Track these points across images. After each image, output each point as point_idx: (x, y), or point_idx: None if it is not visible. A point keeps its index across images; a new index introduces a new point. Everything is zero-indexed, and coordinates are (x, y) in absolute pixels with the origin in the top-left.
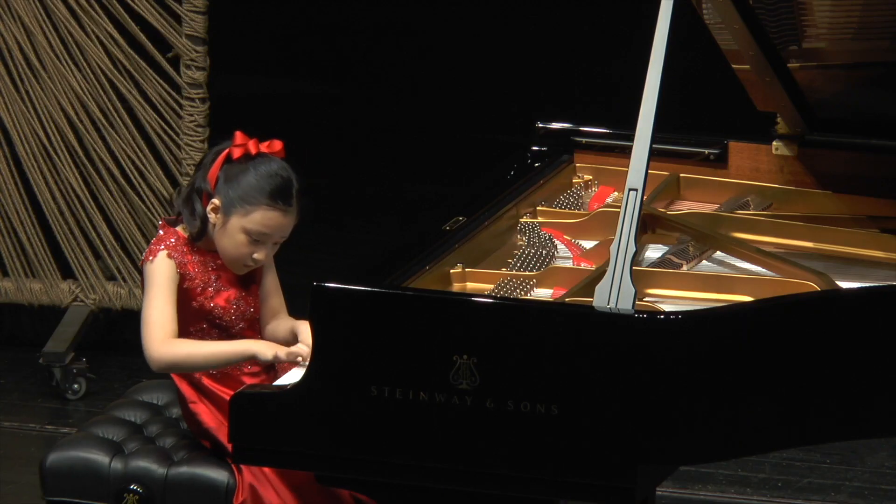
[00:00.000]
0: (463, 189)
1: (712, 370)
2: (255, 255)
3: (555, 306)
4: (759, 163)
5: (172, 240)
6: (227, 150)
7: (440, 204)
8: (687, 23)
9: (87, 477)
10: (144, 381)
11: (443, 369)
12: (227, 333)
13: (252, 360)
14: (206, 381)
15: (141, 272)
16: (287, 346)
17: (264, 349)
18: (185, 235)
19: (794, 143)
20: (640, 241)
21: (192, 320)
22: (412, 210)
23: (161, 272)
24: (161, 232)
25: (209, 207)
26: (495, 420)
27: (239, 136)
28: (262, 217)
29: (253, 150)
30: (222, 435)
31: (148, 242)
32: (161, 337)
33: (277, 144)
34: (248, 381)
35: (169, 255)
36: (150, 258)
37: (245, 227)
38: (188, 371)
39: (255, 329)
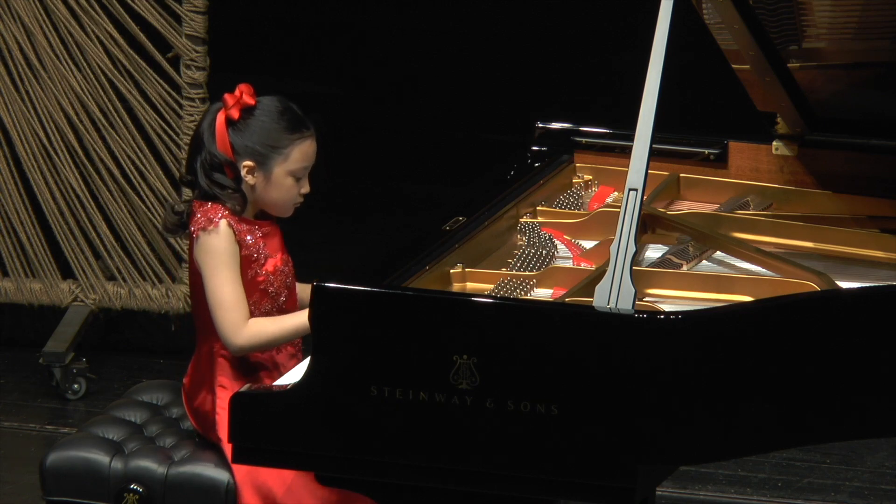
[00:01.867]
0: (463, 189)
1: (712, 370)
2: (303, 190)
3: (555, 306)
4: (759, 163)
5: (222, 210)
6: (222, 115)
7: (440, 204)
8: (687, 23)
9: (87, 477)
10: (144, 381)
11: (443, 369)
12: (274, 304)
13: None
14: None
15: (190, 241)
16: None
17: None
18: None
19: (794, 143)
20: (640, 241)
21: (247, 293)
22: (412, 210)
23: (224, 243)
24: (202, 208)
25: (244, 171)
26: (495, 420)
27: (228, 98)
28: (298, 153)
29: (252, 102)
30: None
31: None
32: (239, 321)
33: (249, 88)
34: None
35: (228, 223)
36: (209, 227)
37: (289, 169)
38: (265, 349)
39: (295, 299)
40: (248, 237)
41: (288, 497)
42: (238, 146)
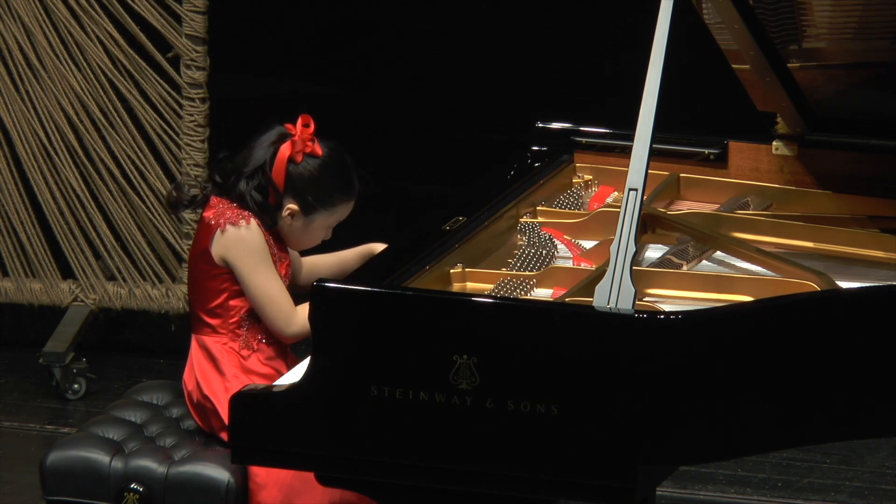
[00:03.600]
0: (463, 189)
1: (712, 370)
2: (326, 237)
3: (555, 306)
4: (759, 163)
5: (250, 215)
6: (287, 149)
7: (440, 204)
8: (687, 23)
9: (87, 477)
10: (144, 381)
11: (443, 369)
12: None
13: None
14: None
15: (213, 230)
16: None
17: None
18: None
19: (794, 143)
20: (640, 241)
21: None
22: (412, 210)
23: (259, 238)
24: (229, 205)
25: (286, 213)
26: (495, 420)
27: (298, 140)
28: (343, 209)
29: (319, 153)
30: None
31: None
32: (291, 310)
33: (311, 123)
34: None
35: (258, 224)
36: (240, 223)
37: (329, 222)
38: None
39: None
40: (269, 239)
41: (302, 497)
42: (290, 187)
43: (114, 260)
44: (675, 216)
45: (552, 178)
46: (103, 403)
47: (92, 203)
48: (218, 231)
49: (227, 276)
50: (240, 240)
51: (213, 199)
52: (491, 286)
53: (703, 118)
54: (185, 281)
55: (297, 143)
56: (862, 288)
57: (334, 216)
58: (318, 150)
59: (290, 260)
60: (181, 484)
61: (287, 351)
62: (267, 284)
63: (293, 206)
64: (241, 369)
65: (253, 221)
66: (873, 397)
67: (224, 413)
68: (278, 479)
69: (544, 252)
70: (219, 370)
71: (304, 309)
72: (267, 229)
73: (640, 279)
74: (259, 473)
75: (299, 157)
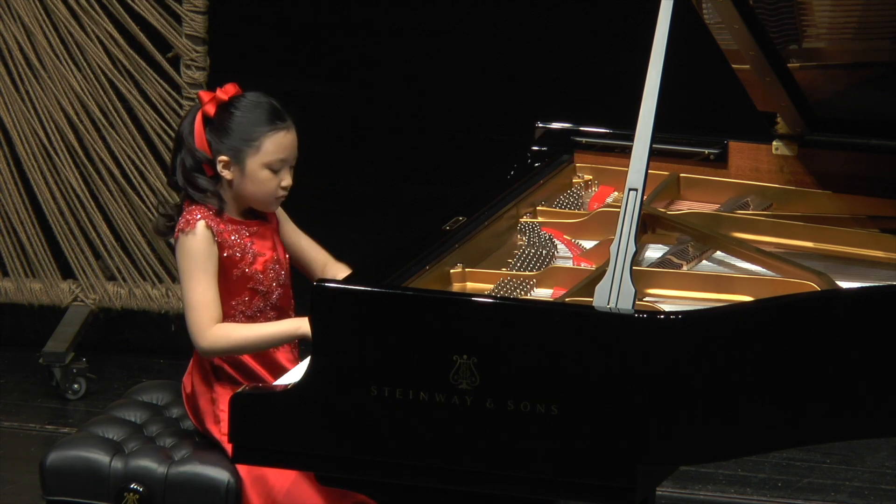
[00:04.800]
0: (463, 189)
1: (712, 370)
2: (283, 183)
3: (555, 306)
4: (759, 163)
5: (205, 211)
6: (199, 113)
7: (440, 204)
8: (687, 23)
9: (87, 477)
10: (144, 381)
11: (443, 369)
12: (267, 301)
13: (301, 338)
14: (246, 359)
15: (172, 246)
16: None
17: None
18: (214, 209)
19: (794, 143)
20: (640, 241)
21: (235, 291)
22: (412, 210)
23: (200, 244)
24: (187, 209)
25: (220, 166)
26: (495, 420)
27: (204, 94)
28: (271, 144)
29: (225, 97)
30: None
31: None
32: (208, 323)
33: (233, 86)
34: (285, 363)
35: (207, 225)
36: (187, 228)
37: (263, 161)
38: (235, 354)
39: (289, 296)
40: (233, 236)
41: (290, 497)
42: (214, 143)
43: (114, 260)
44: (675, 216)
45: (552, 178)
46: (103, 403)
47: (92, 203)
48: (175, 242)
49: None
50: (181, 246)
51: (185, 206)
52: (491, 286)
53: (703, 118)
54: None
55: (204, 99)
56: (862, 288)
57: (264, 151)
58: (225, 96)
59: (283, 255)
60: (181, 484)
61: (277, 357)
62: (192, 290)
63: (224, 158)
64: (229, 382)
65: (199, 225)
66: (873, 397)
67: (210, 419)
68: (260, 480)
69: (544, 252)
70: (208, 381)
71: (226, 327)
72: (221, 212)
73: (640, 279)
74: (242, 471)
75: (211, 111)
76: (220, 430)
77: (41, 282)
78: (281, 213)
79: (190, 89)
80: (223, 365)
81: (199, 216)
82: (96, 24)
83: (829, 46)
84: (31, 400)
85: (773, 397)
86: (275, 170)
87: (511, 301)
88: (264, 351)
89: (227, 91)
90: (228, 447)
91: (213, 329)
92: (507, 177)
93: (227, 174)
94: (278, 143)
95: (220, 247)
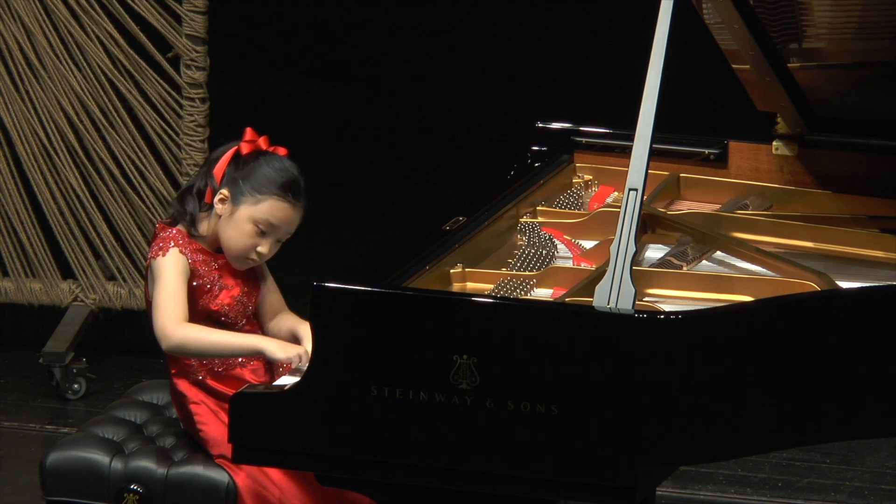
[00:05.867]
0: (463, 189)
1: (712, 370)
2: (260, 248)
3: (555, 306)
4: (759, 163)
5: (180, 238)
6: (235, 147)
7: (440, 204)
8: (687, 23)
9: (87, 477)
10: (144, 381)
11: (443, 369)
12: (231, 331)
13: (259, 356)
14: (209, 381)
15: (146, 269)
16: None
17: (274, 348)
18: (186, 233)
19: (794, 143)
20: (640, 241)
21: (197, 319)
22: (412, 210)
23: (174, 265)
24: (161, 233)
25: (217, 199)
26: (495, 420)
27: (249, 132)
28: (270, 207)
29: (263, 146)
30: (218, 433)
31: (148, 243)
32: (174, 318)
33: (283, 151)
34: (251, 378)
35: (181, 251)
36: (161, 254)
37: (254, 216)
38: (196, 356)
39: (255, 325)
40: (203, 268)
41: (287, 497)
42: (228, 176)
43: (114, 260)
44: (675, 216)
45: (552, 178)
46: (103, 403)
47: (92, 203)
48: (148, 268)
49: None
50: (156, 267)
51: (157, 229)
52: (491, 286)
53: (703, 118)
54: None
55: (246, 139)
56: (862, 288)
57: (260, 208)
58: (265, 146)
59: (253, 288)
60: (181, 484)
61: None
62: (162, 293)
63: (225, 192)
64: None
65: (173, 251)
66: (873, 397)
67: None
68: (257, 481)
69: (544, 252)
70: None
71: (192, 327)
72: (188, 238)
73: (640, 279)
74: (238, 473)
75: (245, 148)
76: (201, 436)
77: (41, 282)
78: (266, 270)
79: (190, 89)
80: (206, 380)
81: (172, 244)
82: (96, 24)
83: (829, 46)
84: (31, 400)
85: (773, 397)
86: (260, 230)
87: (511, 301)
88: (229, 372)
89: (269, 144)
90: (213, 451)
91: (183, 324)
92: (507, 177)
93: (220, 207)
94: (277, 209)
95: (192, 275)
